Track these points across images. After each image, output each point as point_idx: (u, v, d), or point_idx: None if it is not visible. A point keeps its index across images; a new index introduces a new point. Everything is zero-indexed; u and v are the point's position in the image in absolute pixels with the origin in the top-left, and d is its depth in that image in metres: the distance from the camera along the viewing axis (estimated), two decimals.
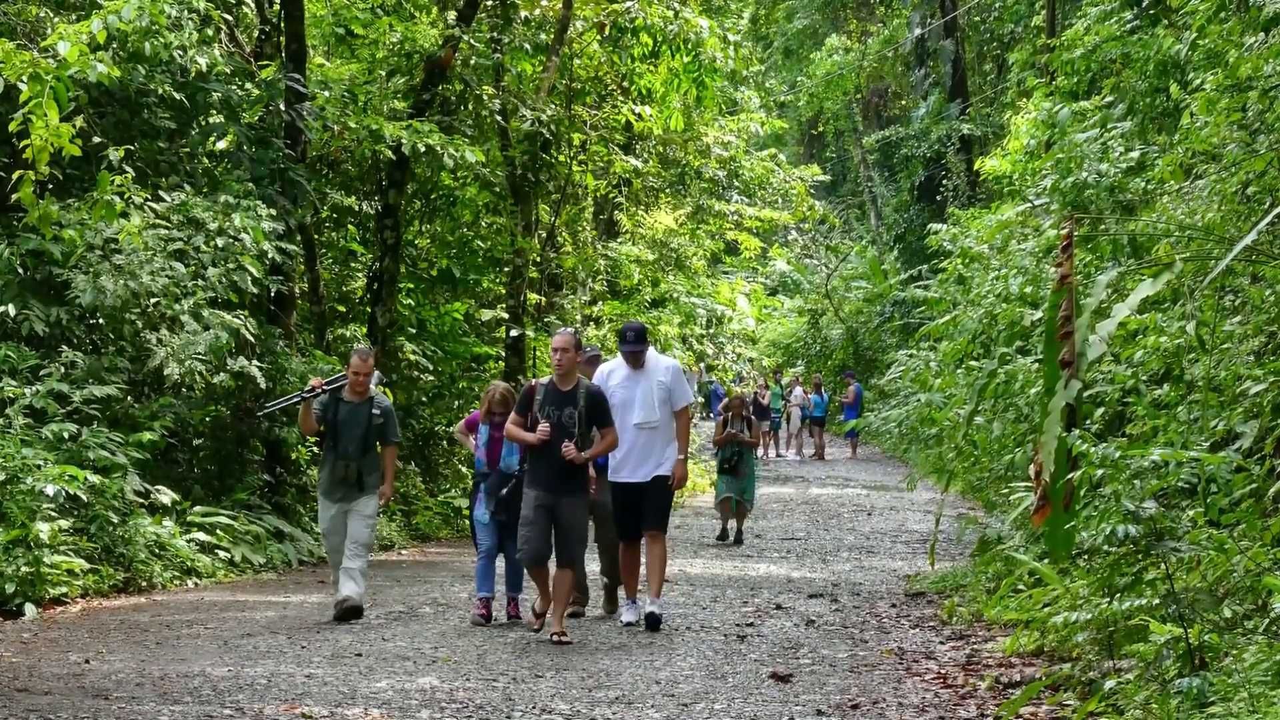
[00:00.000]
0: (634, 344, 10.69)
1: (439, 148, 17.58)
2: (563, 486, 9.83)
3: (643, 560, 10.96)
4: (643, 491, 10.57)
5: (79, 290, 13.63)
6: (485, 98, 20.90)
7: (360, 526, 10.92)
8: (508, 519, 10.63)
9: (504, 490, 10.60)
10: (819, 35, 46.43)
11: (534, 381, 10.21)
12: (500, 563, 11.03)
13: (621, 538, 10.81)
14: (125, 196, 13.11)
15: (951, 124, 36.69)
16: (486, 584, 10.88)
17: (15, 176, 11.16)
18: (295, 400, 11.22)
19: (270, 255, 15.30)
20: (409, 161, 18.77)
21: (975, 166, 27.28)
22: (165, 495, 13.89)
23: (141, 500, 13.52)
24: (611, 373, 10.85)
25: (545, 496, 9.80)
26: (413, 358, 20.76)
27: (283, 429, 16.11)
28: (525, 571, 10.67)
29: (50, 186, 13.65)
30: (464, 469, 20.84)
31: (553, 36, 21.83)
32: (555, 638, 9.70)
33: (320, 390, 10.88)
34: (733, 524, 17.75)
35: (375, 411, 10.96)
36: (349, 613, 10.79)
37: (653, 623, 10.42)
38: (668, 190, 30.28)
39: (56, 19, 14.18)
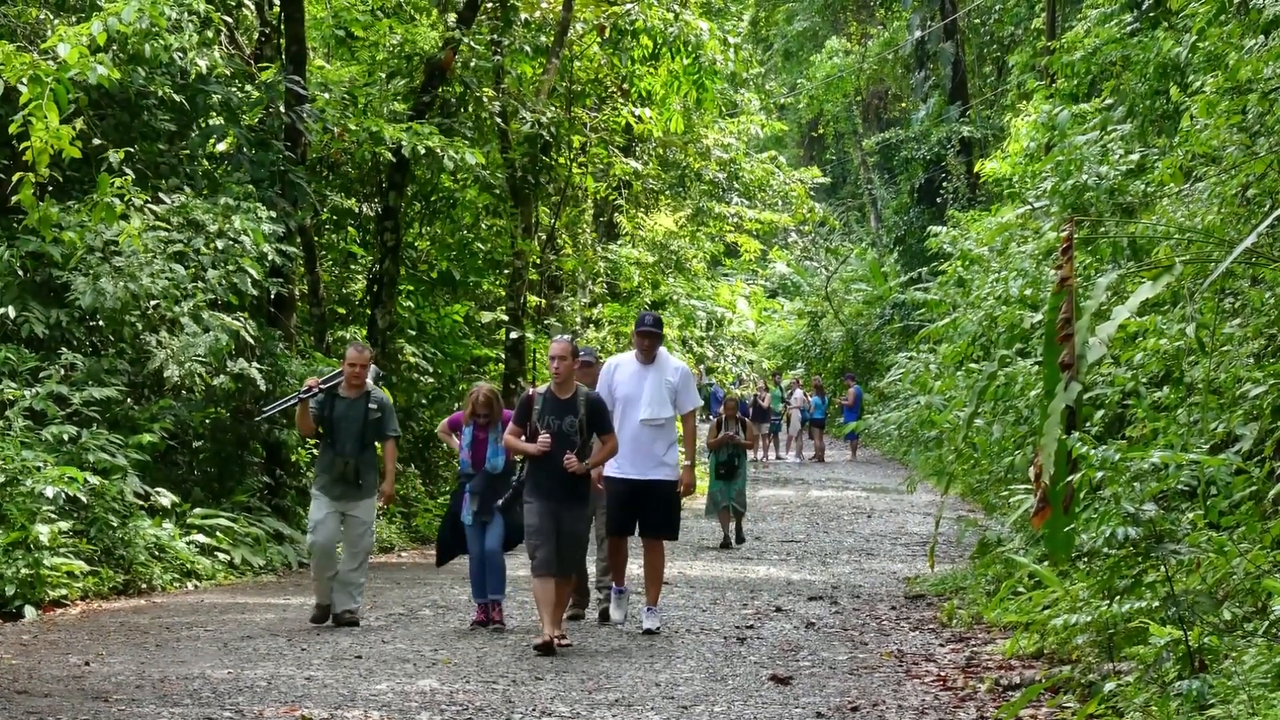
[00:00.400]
0: (651, 327, 10.68)
1: (439, 150, 17.58)
2: (565, 495, 9.74)
3: (637, 561, 10.92)
4: (642, 491, 10.51)
5: (79, 292, 13.63)
6: (485, 100, 20.91)
7: (360, 534, 10.83)
8: (492, 519, 10.62)
9: (499, 501, 10.54)
10: (819, 37, 46.50)
11: (531, 391, 10.00)
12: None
13: (610, 533, 10.74)
14: (125, 198, 13.10)
15: (951, 126, 36.69)
16: (481, 589, 10.85)
17: (15, 178, 11.15)
18: (293, 401, 11.10)
19: (270, 257, 15.31)
20: (409, 164, 18.77)
21: (975, 169, 27.27)
22: (165, 497, 13.89)
23: (141, 502, 13.52)
24: (619, 366, 10.81)
25: (549, 506, 9.71)
26: (413, 360, 20.75)
27: (282, 431, 16.11)
28: (502, 576, 10.71)
29: (50, 188, 13.66)
30: None
31: (553, 39, 21.83)
32: (555, 640, 9.67)
33: (317, 389, 10.73)
34: (732, 525, 17.73)
35: (372, 406, 10.80)
36: (346, 623, 10.76)
37: (649, 634, 10.40)
38: (668, 192, 30.31)
39: (56, 21, 14.20)
